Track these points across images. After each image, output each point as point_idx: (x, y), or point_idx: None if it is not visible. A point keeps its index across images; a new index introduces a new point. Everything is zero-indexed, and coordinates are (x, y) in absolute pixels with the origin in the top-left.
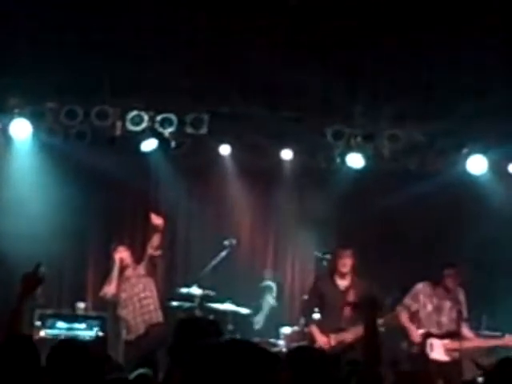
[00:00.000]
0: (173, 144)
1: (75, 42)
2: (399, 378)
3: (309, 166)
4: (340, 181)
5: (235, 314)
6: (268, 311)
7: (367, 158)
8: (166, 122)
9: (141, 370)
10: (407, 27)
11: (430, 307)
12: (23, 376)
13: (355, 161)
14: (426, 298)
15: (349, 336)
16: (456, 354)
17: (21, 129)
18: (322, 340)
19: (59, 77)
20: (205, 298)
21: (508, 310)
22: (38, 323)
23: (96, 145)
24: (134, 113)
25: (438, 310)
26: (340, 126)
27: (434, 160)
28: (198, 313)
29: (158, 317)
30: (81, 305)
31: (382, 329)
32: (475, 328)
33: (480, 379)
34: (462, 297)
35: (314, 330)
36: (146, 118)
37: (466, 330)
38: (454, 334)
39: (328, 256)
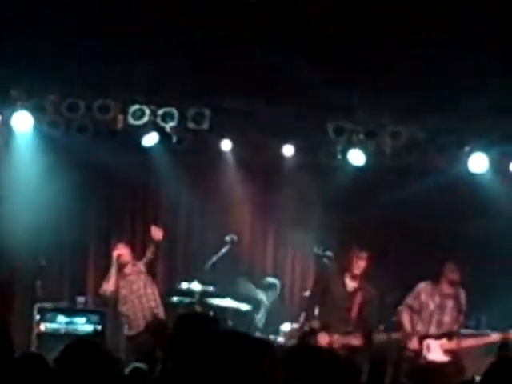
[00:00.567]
0: (174, 139)
1: (77, 35)
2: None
3: (310, 162)
4: (341, 177)
5: (235, 310)
6: (269, 308)
7: (368, 154)
8: (167, 117)
9: (136, 364)
10: (409, 24)
11: (432, 306)
12: None
13: (356, 157)
14: (428, 297)
15: (355, 341)
16: (454, 354)
17: (22, 121)
18: (324, 340)
19: (61, 69)
20: (205, 294)
21: (508, 308)
22: (38, 317)
23: (97, 138)
24: (136, 107)
25: (440, 308)
26: (341, 123)
27: (436, 157)
28: (197, 308)
29: (159, 313)
30: (81, 299)
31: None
32: (474, 327)
33: (478, 378)
34: (463, 296)
35: (317, 328)
36: (147, 112)
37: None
38: (451, 334)
39: (328, 253)
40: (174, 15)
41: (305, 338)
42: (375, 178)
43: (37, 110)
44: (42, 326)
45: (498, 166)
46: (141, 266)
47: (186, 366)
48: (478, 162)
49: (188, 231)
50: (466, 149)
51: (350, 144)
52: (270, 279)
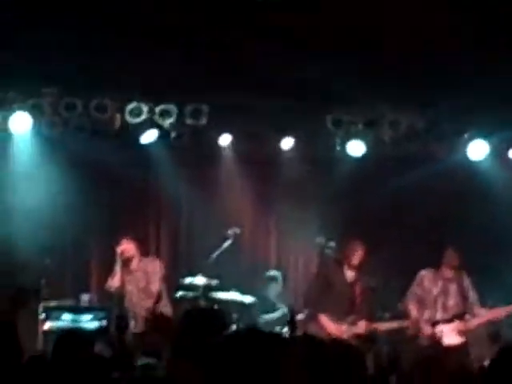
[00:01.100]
0: (173, 135)
1: (74, 34)
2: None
3: (309, 154)
4: (341, 168)
5: (240, 302)
6: (275, 301)
7: (368, 144)
8: (165, 114)
9: (146, 360)
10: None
11: (435, 291)
12: None
13: (356, 148)
14: (430, 283)
15: (360, 330)
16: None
17: (20, 122)
18: (335, 329)
19: (57, 69)
20: (209, 288)
21: (509, 295)
22: (43, 316)
23: (96, 137)
24: (133, 105)
25: (443, 293)
26: (340, 114)
27: (435, 145)
28: (202, 303)
29: (165, 310)
30: (85, 296)
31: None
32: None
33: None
34: (466, 280)
35: (325, 319)
36: (145, 109)
37: (478, 310)
38: (460, 316)
39: (332, 243)
40: (172, 13)
41: (310, 329)
42: (375, 167)
43: (34, 111)
44: (48, 325)
45: (497, 153)
46: (148, 264)
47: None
48: (478, 149)
49: (190, 226)
50: (466, 136)
51: (349, 135)
52: (272, 272)
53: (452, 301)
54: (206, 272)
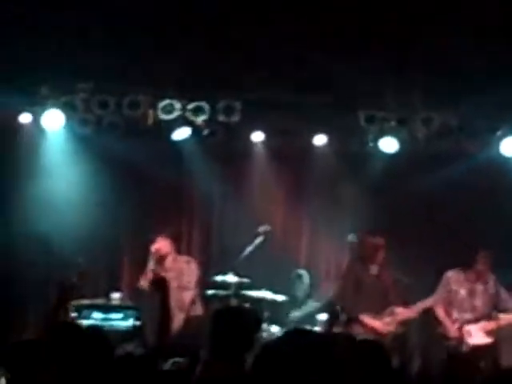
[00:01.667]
0: (205, 132)
1: (104, 31)
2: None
3: (342, 150)
4: (373, 165)
5: (271, 301)
6: (303, 299)
7: (401, 141)
8: (197, 110)
9: (175, 359)
10: (441, 11)
11: (463, 292)
12: None
13: (388, 145)
14: (457, 285)
15: (401, 316)
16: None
17: (53, 119)
18: (380, 324)
19: (91, 65)
20: (240, 286)
21: None
22: (74, 314)
23: (128, 134)
24: (166, 101)
25: (471, 294)
26: (373, 111)
27: (468, 143)
28: (233, 301)
29: (196, 309)
30: (116, 295)
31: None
32: None
33: None
34: (493, 283)
35: (366, 318)
36: (177, 106)
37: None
38: (488, 316)
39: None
40: (205, 10)
41: (354, 331)
42: (408, 164)
43: (67, 108)
44: (79, 323)
45: None
46: (182, 262)
47: (265, 366)
48: (511, 146)
49: (222, 223)
50: (499, 133)
51: (382, 132)
52: (299, 271)
53: (479, 301)
54: (237, 270)
